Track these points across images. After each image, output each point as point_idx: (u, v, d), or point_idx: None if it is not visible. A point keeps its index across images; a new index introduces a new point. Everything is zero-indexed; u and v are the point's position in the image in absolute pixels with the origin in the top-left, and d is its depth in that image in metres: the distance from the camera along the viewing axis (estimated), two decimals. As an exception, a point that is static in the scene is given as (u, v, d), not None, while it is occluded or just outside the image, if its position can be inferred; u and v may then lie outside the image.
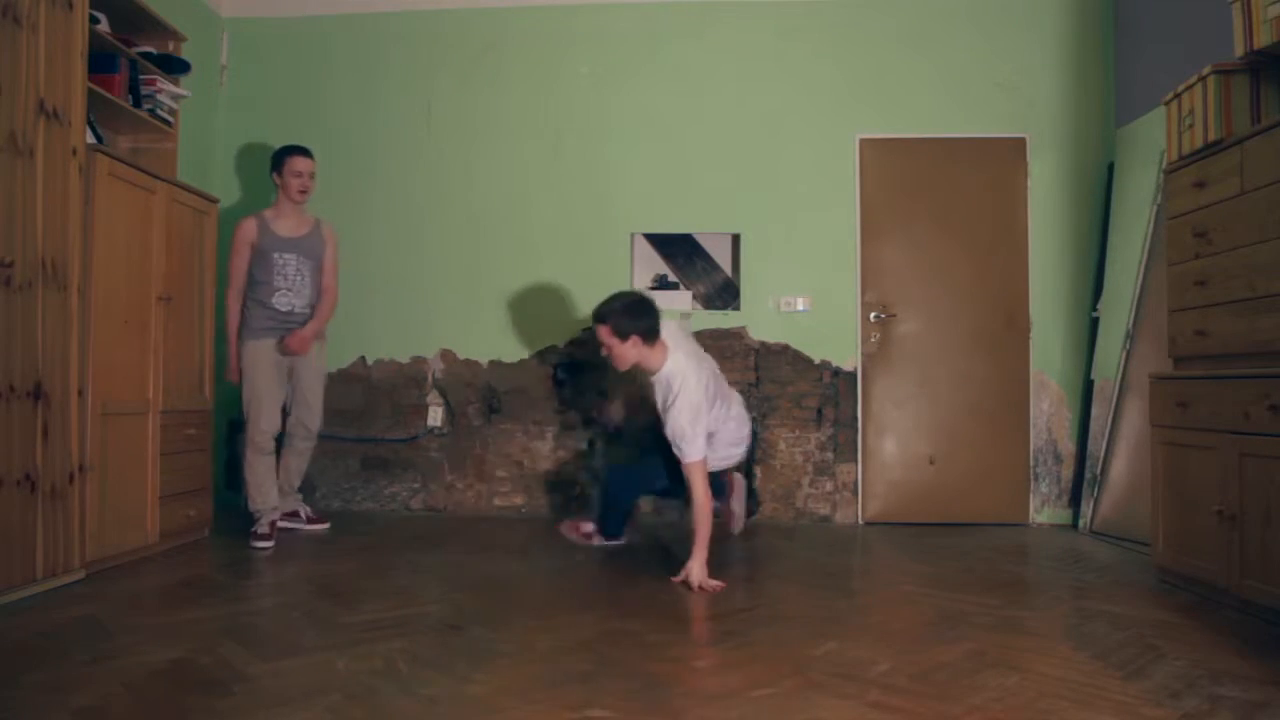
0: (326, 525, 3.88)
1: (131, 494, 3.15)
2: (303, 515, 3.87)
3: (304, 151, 3.68)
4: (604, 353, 3.11)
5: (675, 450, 3.00)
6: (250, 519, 3.58)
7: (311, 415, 3.77)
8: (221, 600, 2.66)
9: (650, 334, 3.04)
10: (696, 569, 2.87)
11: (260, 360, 3.58)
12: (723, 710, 1.78)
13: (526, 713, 1.75)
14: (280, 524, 3.73)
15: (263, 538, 3.48)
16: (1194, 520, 2.75)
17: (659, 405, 3.09)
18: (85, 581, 2.82)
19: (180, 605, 2.58)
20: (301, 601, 2.63)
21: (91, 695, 1.81)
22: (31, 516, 2.60)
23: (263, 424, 3.56)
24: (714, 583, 2.84)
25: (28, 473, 2.59)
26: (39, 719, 1.71)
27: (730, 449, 3.34)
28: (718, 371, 3.33)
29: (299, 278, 3.64)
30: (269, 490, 3.60)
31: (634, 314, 3.03)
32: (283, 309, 3.61)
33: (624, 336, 3.01)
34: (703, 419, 3.00)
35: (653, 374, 3.09)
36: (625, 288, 4.41)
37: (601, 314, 3.06)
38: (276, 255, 3.59)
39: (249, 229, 3.62)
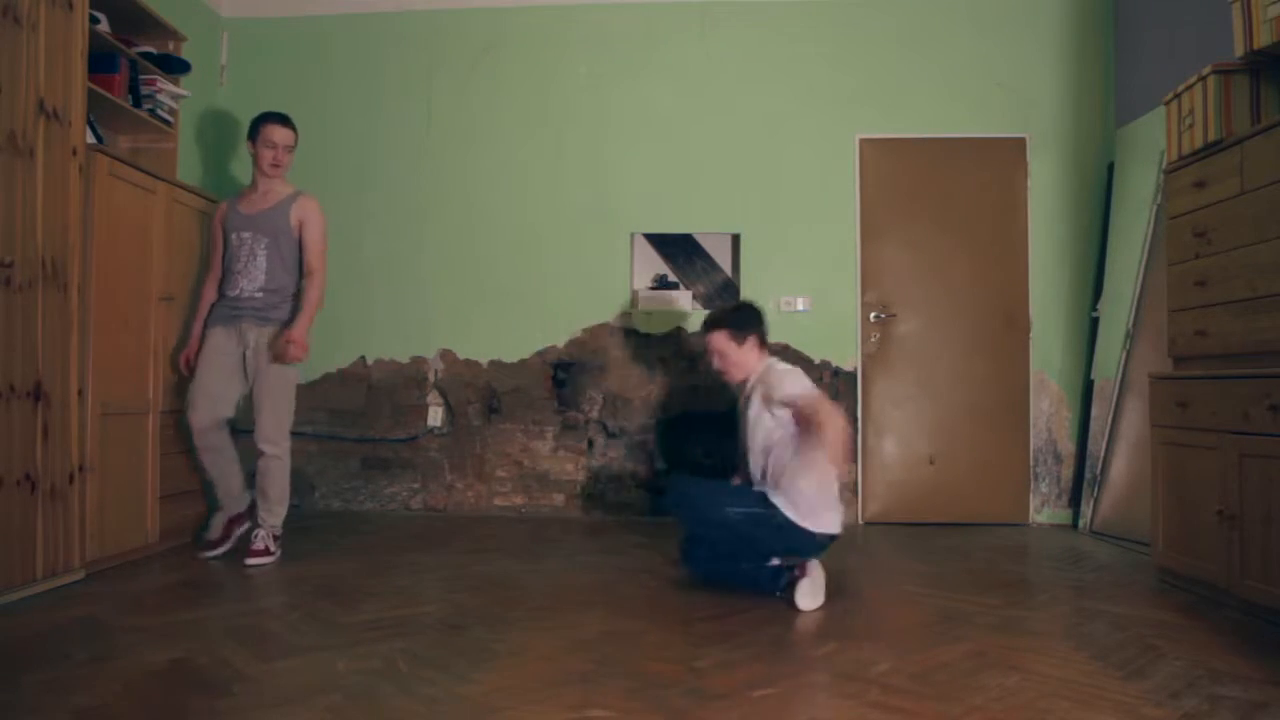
0: (220, 551, 3.29)
1: (131, 494, 3.15)
2: (237, 534, 3.36)
3: (282, 120, 3.31)
4: (715, 363, 2.91)
5: (786, 407, 2.67)
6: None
7: (260, 424, 3.23)
8: (221, 600, 2.66)
9: (763, 339, 2.90)
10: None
11: (209, 348, 3.24)
12: (723, 710, 1.78)
13: (526, 713, 1.75)
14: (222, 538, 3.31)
15: (209, 545, 3.27)
16: (1194, 520, 2.75)
17: (754, 403, 2.81)
18: (85, 581, 2.82)
19: (180, 605, 2.58)
20: (301, 601, 2.63)
21: (91, 695, 1.81)
22: (31, 516, 2.60)
23: (195, 416, 3.20)
24: None
25: (28, 473, 2.59)
26: (39, 719, 1.71)
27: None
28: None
29: (250, 258, 3.24)
30: (220, 489, 3.29)
31: (751, 317, 2.88)
32: (231, 293, 3.25)
33: (744, 339, 2.84)
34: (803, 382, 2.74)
35: (749, 380, 2.89)
36: (624, 288, 4.43)
37: (719, 322, 2.88)
38: (234, 235, 3.26)
39: (220, 213, 3.36)
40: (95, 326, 2.93)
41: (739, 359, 2.87)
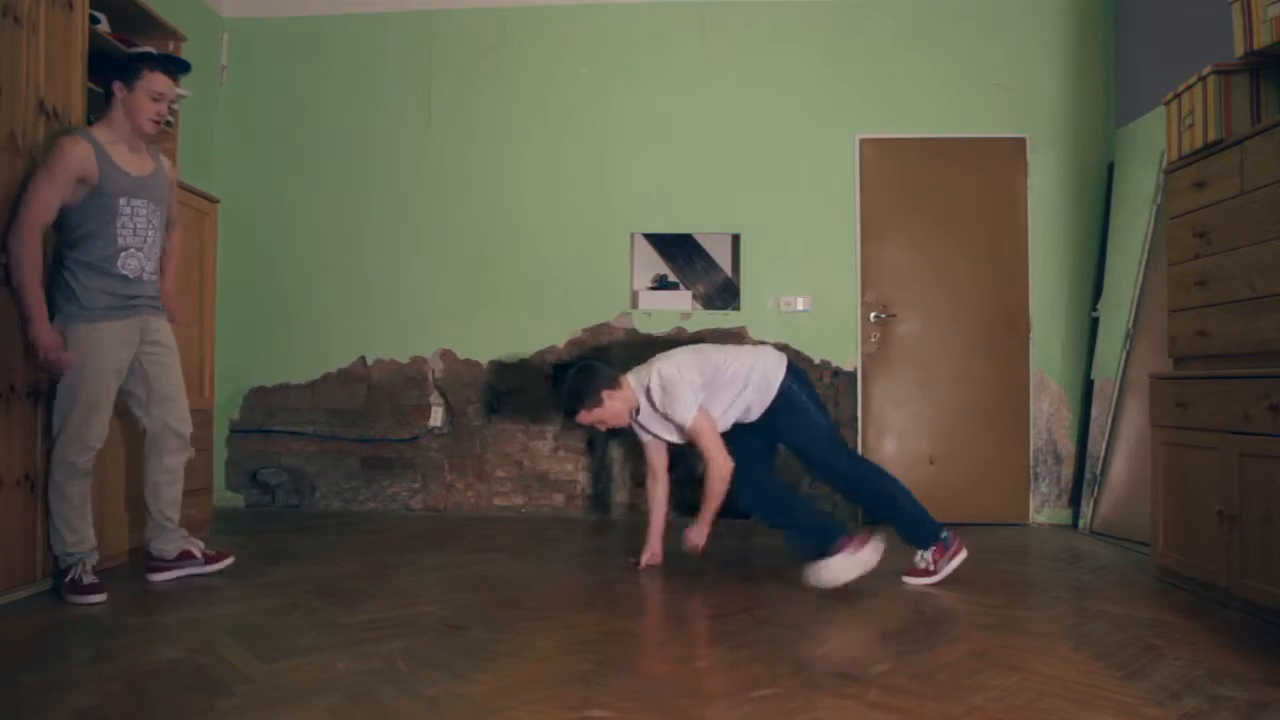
0: (230, 559, 3.00)
1: (131, 494, 3.14)
2: (198, 554, 2.92)
3: (167, 66, 2.73)
4: (604, 429, 3.09)
5: (680, 430, 2.98)
6: (58, 566, 2.65)
7: (181, 414, 2.84)
8: (221, 600, 2.66)
9: (611, 381, 3.00)
10: (695, 532, 3.03)
11: (99, 350, 2.59)
12: (723, 710, 1.78)
13: (526, 713, 1.75)
14: (169, 574, 2.86)
15: (88, 589, 2.56)
16: (1194, 520, 2.74)
17: (661, 423, 3.06)
18: (85, 581, 2.82)
19: (180, 605, 2.58)
20: (301, 601, 2.63)
21: (91, 695, 1.81)
22: (31, 516, 2.60)
23: (88, 437, 2.59)
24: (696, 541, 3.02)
25: (28, 473, 2.59)
26: (39, 719, 1.71)
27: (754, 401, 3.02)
28: (715, 361, 3.02)
29: (150, 232, 2.69)
30: (88, 526, 2.66)
31: (584, 383, 2.97)
32: (132, 275, 2.65)
33: (598, 402, 2.95)
34: (692, 386, 2.93)
35: (638, 413, 3.06)
36: (624, 287, 4.43)
37: (570, 409, 3.01)
38: (123, 201, 2.61)
39: (84, 158, 2.52)
40: (95, 326, 2.92)
41: (613, 412, 2.99)
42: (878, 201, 4.37)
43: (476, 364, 4.48)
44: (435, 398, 4.48)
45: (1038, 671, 2.01)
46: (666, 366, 2.96)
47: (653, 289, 4.48)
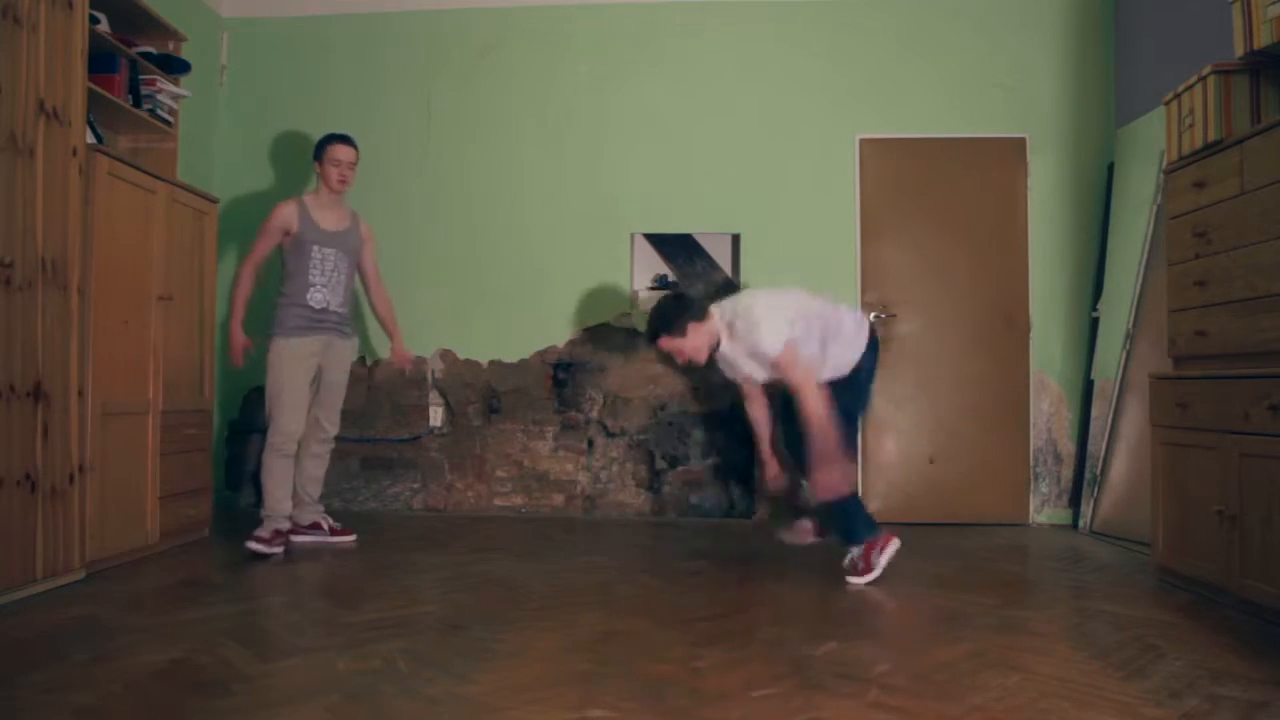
0: (353, 537, 3.63)
1: (131, 494, 3.15)
2: (325, 526, 3.62)
3: (346, 140, 3.50)
4: (681, 362, 3.00)
5: (767, 365, 2.87)
6: (257, 524, 3.38)
7: (332, 417, 3.60)
8: (221, 600, 2.66)
9: (699, 313, 2.96)
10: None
11: (292, 359, 3.37)
12: (723, 710, 1.78)
13: (526, 713, 1.75)
14: (303, 538, 3.54)
15: (265, 540, 3.27)
16: (1194, 520, 2.74)
17: (746, 359, 2.95)
18: (85, 581, 2.82)
19: (180, 605, 2.58)
20: (301, 601, 2.63)
21: (91, 695, 1.81)
22: (31, 516, 2.60)
23: (288, 427, 3.37)
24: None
25: (28, 473, 2.59)
26: (39, 719, 1.71)
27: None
28: (811, 310, 2.95)
29: (336, 274, 3.48)
30: (285, 496, 3.42)
31: (673, 309, 2.96)
32: (317, 306, 3.42)
33: (682, 333, 2.91)
34: (791, 319, 2.85)
35: (719, 347, 2.99)
36: (624, 287, 4.43)
37: (653, 332, 2.98)
38: (315, 249, 3.41)
39: (289, 215, 3.40)
40: (95, 326, 2.92)
41: (693, 345, 2.94)
42: (878, 201, 4.37)
43: (476, 364, 4.48)
44: (435, 398, 4.48)
45: (1038, 671, 2.01)
46: (749, 299, 2.96)
47: (653, 289, 4.48)
